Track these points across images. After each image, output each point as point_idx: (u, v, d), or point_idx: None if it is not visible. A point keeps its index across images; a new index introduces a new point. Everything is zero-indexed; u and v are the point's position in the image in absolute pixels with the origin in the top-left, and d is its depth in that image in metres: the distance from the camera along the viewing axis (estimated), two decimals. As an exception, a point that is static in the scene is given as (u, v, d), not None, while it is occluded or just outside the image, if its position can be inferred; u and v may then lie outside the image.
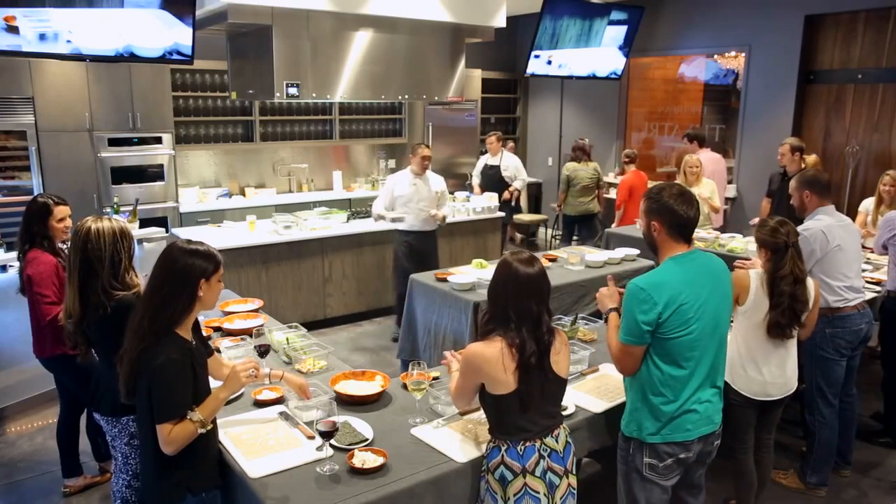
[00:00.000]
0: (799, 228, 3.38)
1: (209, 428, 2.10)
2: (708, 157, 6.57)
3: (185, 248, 2.11)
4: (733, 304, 2.83)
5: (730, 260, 4.88)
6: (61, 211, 3.29)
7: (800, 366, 3.16)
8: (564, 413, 2.46)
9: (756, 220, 4.22)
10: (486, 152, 7.80)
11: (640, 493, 2.42)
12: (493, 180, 7.51)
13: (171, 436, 2.00)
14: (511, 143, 8.58)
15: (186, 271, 2.08)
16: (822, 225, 3.37)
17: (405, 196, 5.41)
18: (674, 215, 2.32)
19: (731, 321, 2.84)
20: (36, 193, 3.30)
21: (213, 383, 2.32)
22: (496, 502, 2.18)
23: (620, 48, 7.75)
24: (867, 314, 3.48)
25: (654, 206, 2.37)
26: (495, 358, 2.10)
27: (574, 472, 2.27)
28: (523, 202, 9.31)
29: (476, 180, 7.74)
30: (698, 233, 5.66)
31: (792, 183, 3.61)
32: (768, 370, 2.95)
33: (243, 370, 2.21)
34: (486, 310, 2.24)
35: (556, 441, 2.20)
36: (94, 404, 2.70)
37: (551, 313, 2.23)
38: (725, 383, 2.96)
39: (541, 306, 2.16)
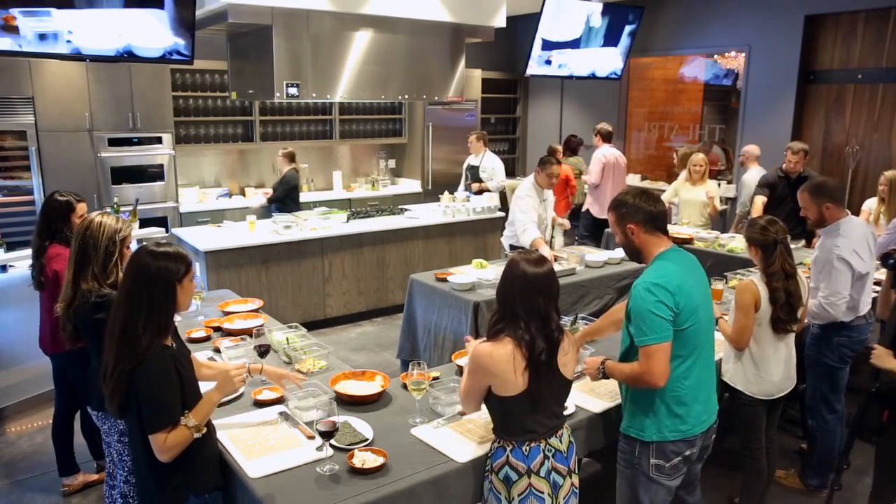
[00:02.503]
0: (827, 243, 3.27)
1: (203, 432, 2.08)
2: (608, 153, 6.93)
3: (155, 252, 2.06)
4: (753, 312, 2.90)
5: (729, 260, 4.92)
6: (82, 208, 3.35)
7: (799, 365, 3.17)
8: (565, 413, 2.45)
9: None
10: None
11: (645, 494, 2.41)
12: (472, 180, 7.30)
13: (167, 444, 1.98)
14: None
15: (161, 276, 2.03)
16: (853, 245, 3.22)
17: (542, 214, 5.08)
18: (644, 212, 2.36)
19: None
20: (53, 191, 3.37)
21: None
22: (500, 502, 2.18)
23: (621, 48, 7.75)
24: (872, 321, 3.47)
25: (624, 211, 2.40)
26: (504, 360, 2.09)
27: (576, 471, 2.27)
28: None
29: (462, 182, 7.56)
30: (698, 232, 5.67)
31: (806, 197, 3.33)
32: (777, 369, 2.99)
33: (237, 374, 2.21)
34: (495, 310, 2.23)
35: (560, 441, 2.20)
36: (86, 398, 2.71)
37: (560, 312, 2.23)
38: (735, 389, 2.99)
39: (549, 304, 2.15)
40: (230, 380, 2.19)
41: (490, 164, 7.13)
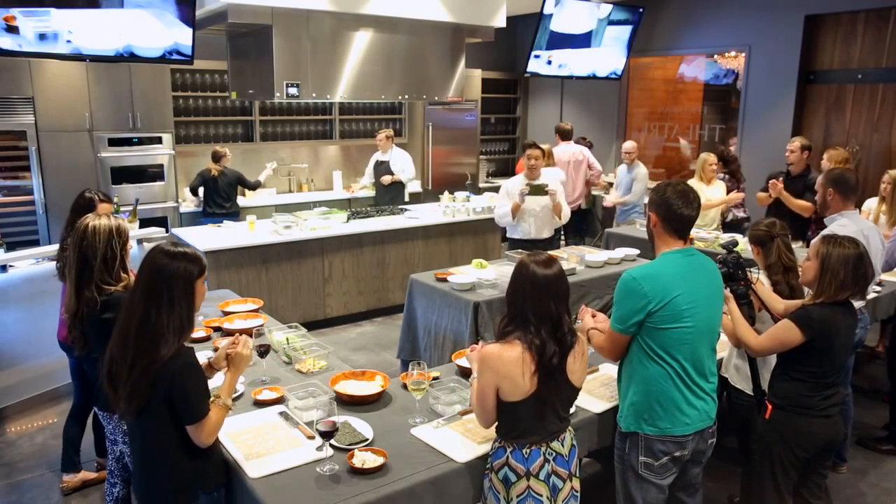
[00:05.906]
0: (824, 233, 3.37)
1: (233, 407, 2.18)
2: (564, 149, 7.12)
3: (172, 252, 2.07)
4: (756, 312, 2.89)
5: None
6: (104, 208, 3.37)
7: None
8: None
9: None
10: (486, 153, 7.77)
11: (637, 491, 2.42)
12: (383, 174, 7.28)
13: (213, 425, 2.05)
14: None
15: (180, 275, 2.03)
16: (849, 232, 3.29)
17: (523, 205, 5.09)
18: (669, 209, 2.35)
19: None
20: (85, 188, 3.51)
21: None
22: (499, 502, 2.18)
23: (620, 48, 7.75)
24: (864, 320, 3.45)
25: (655, 199, 2.42)
26: (513, 362, 2.07)
27: (577, 474, 2.27)
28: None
29: (367, 175, 7.50)
30: (698, 233, 5.67)
31: (819, 179, 3.59)
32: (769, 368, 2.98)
33: (243, 348, 2.25)
34: (505, 313, 2.21)
35: (562, 444, 2.20)
36: (94, 399, 2.72)
37: (570, 314, 2.21)
38: (736, 388, 2.98)
39: (560, 306, 2.14)
40: (242, 357, 2.23)
41: (400, 159, 7.23)
